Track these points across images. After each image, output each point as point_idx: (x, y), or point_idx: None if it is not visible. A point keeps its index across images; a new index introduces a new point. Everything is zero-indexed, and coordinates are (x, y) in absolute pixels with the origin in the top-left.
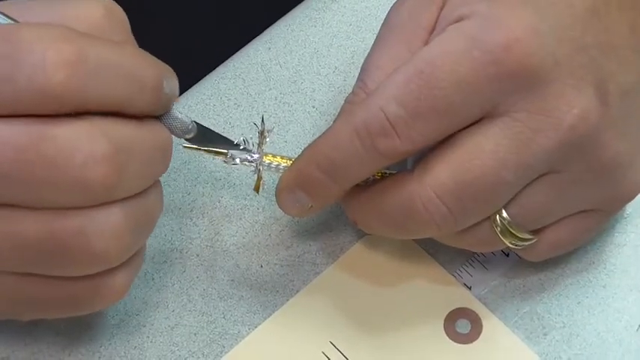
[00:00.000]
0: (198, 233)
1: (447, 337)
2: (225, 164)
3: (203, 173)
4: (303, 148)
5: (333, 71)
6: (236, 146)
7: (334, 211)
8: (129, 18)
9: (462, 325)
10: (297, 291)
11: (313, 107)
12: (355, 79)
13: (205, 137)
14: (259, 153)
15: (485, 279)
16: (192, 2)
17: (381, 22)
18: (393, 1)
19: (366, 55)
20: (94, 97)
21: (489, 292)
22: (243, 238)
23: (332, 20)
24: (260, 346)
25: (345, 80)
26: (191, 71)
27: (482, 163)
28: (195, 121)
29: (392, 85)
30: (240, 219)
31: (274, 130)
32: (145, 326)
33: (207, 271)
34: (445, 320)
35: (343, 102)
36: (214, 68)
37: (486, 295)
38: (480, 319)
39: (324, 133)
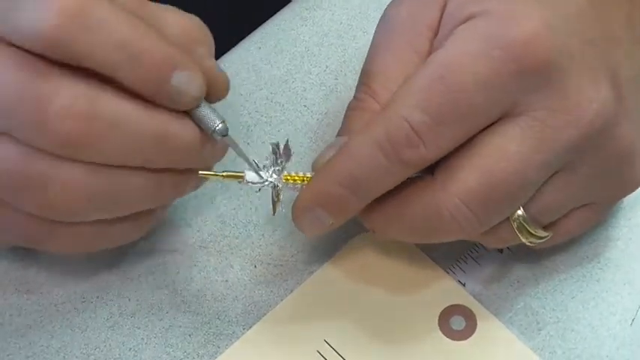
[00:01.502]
0: (192, 234)
1: (442, 334)
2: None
3: None
4: (294, 148)
5: (324, 70)
6: (254, 166)
7: None
8: None
9: (456, 322)
10: (291, 290)
11: (305, 106)
12: (346, 78)
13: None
14: (276, 176)
15: (479, 275)
16: (181, 3)
17: (373, 20)
18: (385, 0)
19: (357, 53)
20: (85, 53)
21: (483, 289)
22: (237, 238)
23: (322, 19)
24: (255, 346)
25: (336, 79)
26: None
27: (508, 165)
28: (224, 131)
29: (412, 93)
30: (234, 219)
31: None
32: (139, 328)
33: (200, 272)
34: (439, 317)
35: (346, 108)
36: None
37: (480, 291)
38: (474, 315)
39: (342, 149)
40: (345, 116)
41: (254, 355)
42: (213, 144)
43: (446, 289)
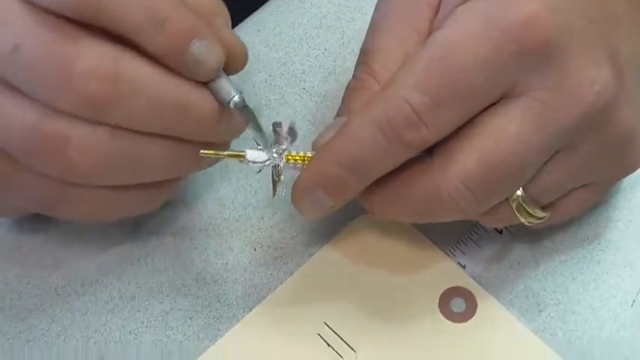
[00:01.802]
0: (192, 217)
1: (442, 316)
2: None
3: None
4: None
5: (323, 52)
6: (265, 142)
7: None
8: None
9: (456, 304)
10: (291, 273)
11: (303, 89)
12: (345, 60)
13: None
14: (277, 156)
15: (480, 257)
16: None
17: (371, 2)
18: None
19: (356, 35)
20: (111, 15)
21: (484, 271)
22: (236, 221)
23: (321, 1)
24: (255, 329)
25: (335, 61)
26: None
27: (507, 147)
28: (241, 103)
29: (411, 74)
30: (233, 202)
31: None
32: (139, 311)
33: (200, 255)
34: (440, 299)
35: (346, 88)
36: None
37: (481, 273)
38: (474, 297)
39: (341, 130)
40: (345, 96)
41: (254, 338)
42: (231, 118)
43: (446, 271)
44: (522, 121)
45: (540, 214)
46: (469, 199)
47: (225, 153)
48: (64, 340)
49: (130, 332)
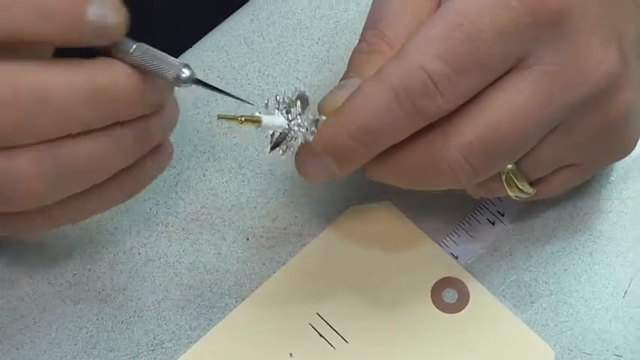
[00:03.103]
0: (184, 207)
1: (435, 307)
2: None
3: (187, 146)
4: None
5: (317, 42)
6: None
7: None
8: None
9: (449, 295)
10: (284, 263)
11: (297, 79)
12: (338, 50)
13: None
14: (289, 122)
15: (472, 248)
16: None
17: None
18: None
19: (349, 25)
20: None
21: (476, 261)
22: (229, 211)
23: None
24: (247, 318)
25: (328, 51)
26: (173, 44)
27: (511, 120)
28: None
29: (428, 41)
30: (226, 192)
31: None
32: (131, 301)
33: (193, 244)
34: (432, 290)
35: (353, 52)
36: (197, 41)
37: (473, 264)
38: (466, 288)
39: (354, 96)
40: (354, 59)
41: (246, 328)
42: (155, 85)
43: (438, 261)
44: (528, 94)
45: (528, 189)
46: (467, 171)
47: (242, 117)
48: (56, 330)
49: (122, 322)
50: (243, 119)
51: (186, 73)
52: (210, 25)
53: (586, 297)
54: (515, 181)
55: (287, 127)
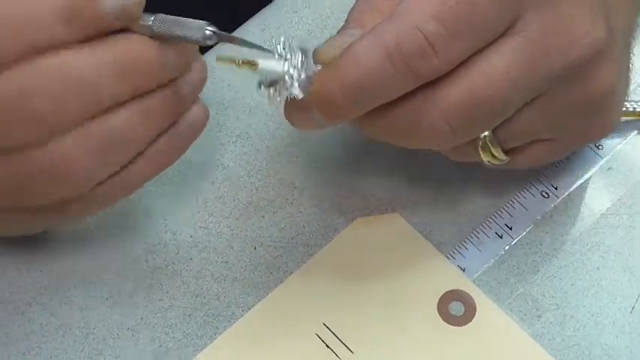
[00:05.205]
0: (192, 214)
1: (441, 320)
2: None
3: (196, 155)
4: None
5: None
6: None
7: (327, 192)
8: None
9: (455, 308)
10: (291, 273)
11: None
12: None
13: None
14: (285, 71)
15: (479, 261)
16: None
17: None
18: None
19: None
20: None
21: (483, 274)
22: (237, 219)
23: (325, 1)
24: (254, 328)
25: None
26: None
27: (494, 85)
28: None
29: (424, 2)
30: (234, 200)
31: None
32: (138, 308)
33: (200, 252)
34: (439, 302)
35: (354, 5)
36: (208, 51)
37: (480, 277)
38: (473, 301)
39: (348, 53)
40: (355, 9)
41: (252, 337)
42: (177, 48)
43: (445, 274)
44: (510, 60)
45: (502, 156)
46: (447, 133)
47: (239, 60)
48: (63, 335)
49: (129, 329)
50: (240, 62)
51: (210, 30)
52: None
53: (593, 312)
54: (490, 147)
55: (282, 74)
